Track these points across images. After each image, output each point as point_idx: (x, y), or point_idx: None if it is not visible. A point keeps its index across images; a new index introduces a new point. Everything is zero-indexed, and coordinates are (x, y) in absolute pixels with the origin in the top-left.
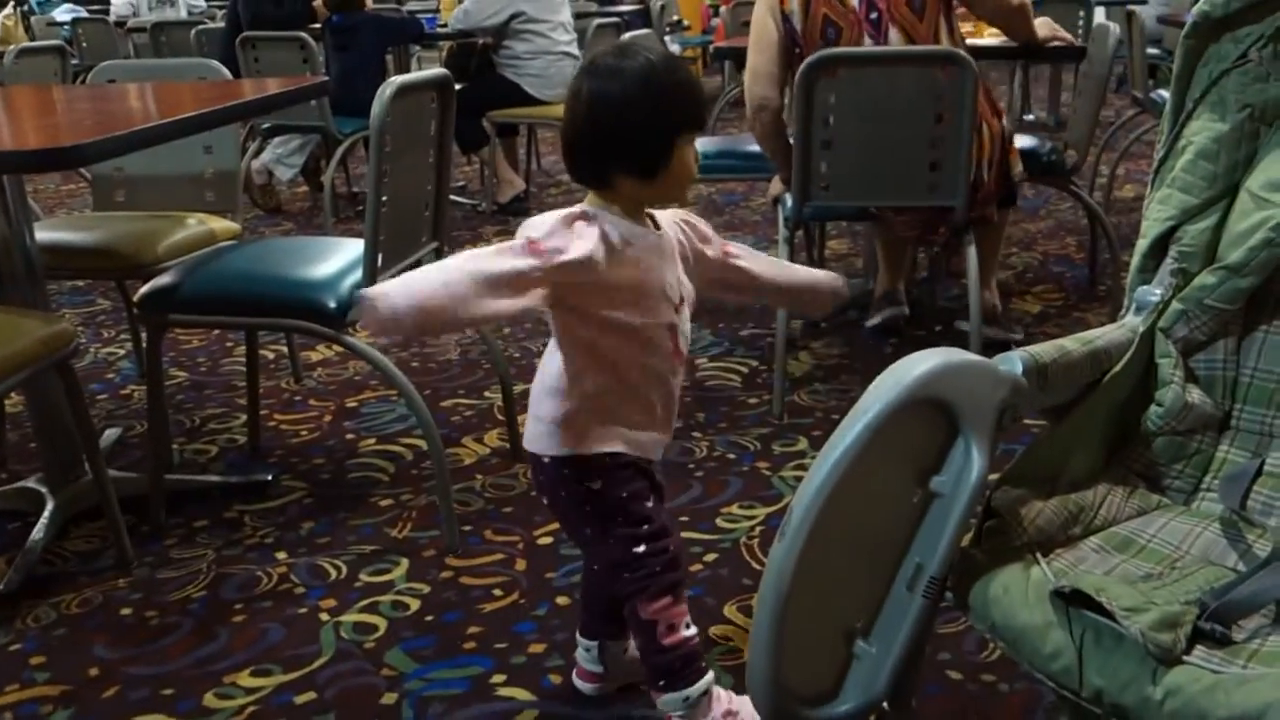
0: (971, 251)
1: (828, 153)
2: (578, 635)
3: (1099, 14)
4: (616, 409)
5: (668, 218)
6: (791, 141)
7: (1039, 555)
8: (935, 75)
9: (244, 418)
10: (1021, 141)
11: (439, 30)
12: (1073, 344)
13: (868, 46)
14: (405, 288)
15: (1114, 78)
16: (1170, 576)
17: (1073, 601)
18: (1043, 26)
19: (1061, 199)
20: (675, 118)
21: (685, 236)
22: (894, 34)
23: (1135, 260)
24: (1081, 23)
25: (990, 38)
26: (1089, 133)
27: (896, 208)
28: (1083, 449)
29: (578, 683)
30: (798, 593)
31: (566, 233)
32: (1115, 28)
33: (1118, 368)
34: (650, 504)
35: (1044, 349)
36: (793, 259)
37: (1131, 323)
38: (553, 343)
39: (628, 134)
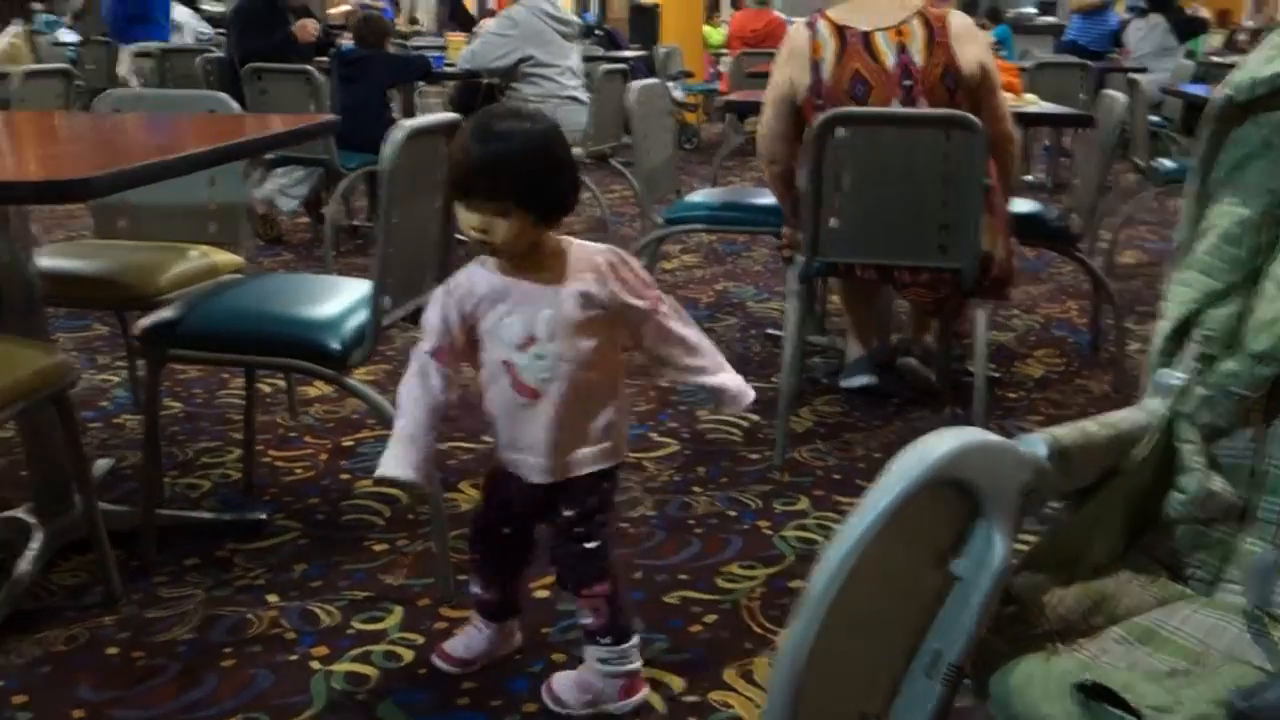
0: (980, 316)
1: (837, 209)
2: (483, 620)
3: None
4: None
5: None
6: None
7: (1061, 645)
8: (945, 138)
9: (238, 453)
10: (1026, 205)
11: (446, 70)
12: (1095, 426)
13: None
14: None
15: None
16: (1196, 673)
17: (1097, 696)
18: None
19: (1063, 262)
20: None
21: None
22: (924, 106)
23: (1157, 342)
24: (1082, 91)
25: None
26: (1094, 200)
27: (910, 271)
28: (1103, 535)
29: (447, 666)
30: (812, 673)
31: None
32: (1122, 98)
33: (1139, 452)
34: None
35: (1066, 431)
36: (807, 313)
37: (1152, 406)
38: (580, 370)
39: None
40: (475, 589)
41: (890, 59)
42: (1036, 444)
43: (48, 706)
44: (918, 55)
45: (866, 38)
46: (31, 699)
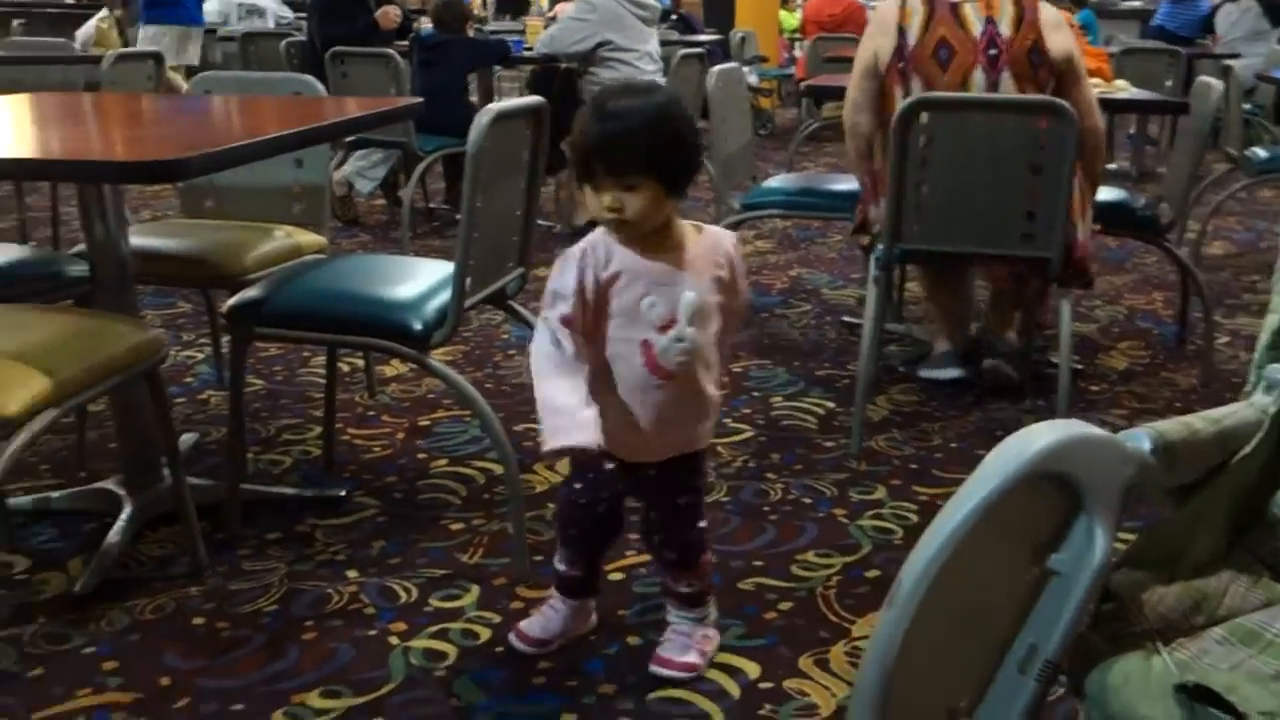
0: (1065, 306)
1: (921, 195)
2: (561, 599)
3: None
4: None
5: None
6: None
7: (1160, 644)
8: (1036, 124)
9: (319, 430)
10: (1113, 194)
11: (524, 54)
12: (1201, 422)
13: (976, 79)
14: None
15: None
16: None
17: (1199, 698)
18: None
19: (1148, 252)
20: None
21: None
22: (1007, 76)
23: (1264, 337)
24: (1169, 78)
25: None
26: (1186, 190)
27: (990, 257)
28: (1206, 533)
29: (524, 646)
30: (903, 664)
31: None
32: (1218, 85)
33: (1246, 449)
34: None
35: (1171, 426)
36: (885, 300)
37: (1261, 402)
38: (707, 351)
39: None
40: (560, 565)
41: (977, 28)
42: (1140, 439)
43: (136, 673)
44: (1005, 28)
45: (954, 8)
46: (121, 665)
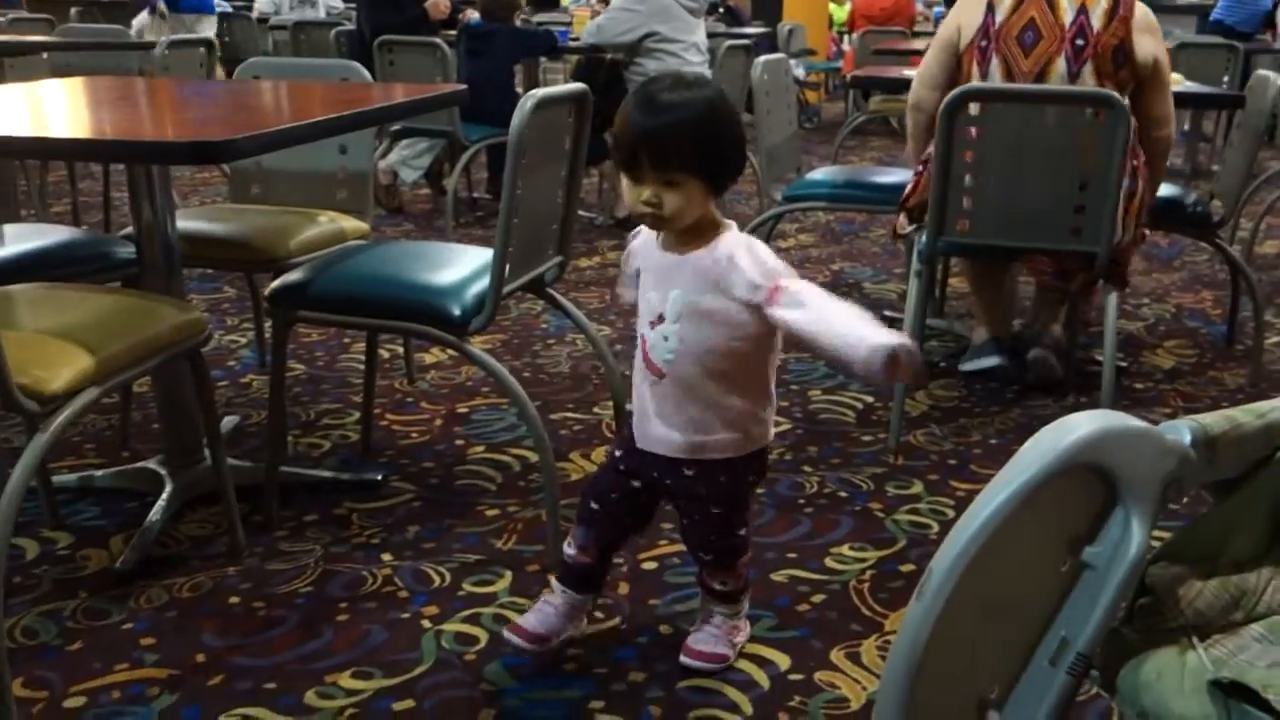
0: (1111, 302)
1: (968, 188)
2: (565, 589)
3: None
4: None
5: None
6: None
7: (1196, 640)
8: (1086, 117)
9: (357, 415)
10: (1165, 190)
11: (570, 44)
12: (1245, 415)
13: (1058, 68)
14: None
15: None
16: None
17: (1234, 694)
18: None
19: (1197, 250)
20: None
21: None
22: (1089, 70)
23: None
24: (1227, 73)
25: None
26: (1240, 187)
27: (1034, 251)
28: (1247, 529)
29: (521, 643)
30: (932, 656)
31: None
32: (1276, 79)
33: None
34: None
35: (1214, 419)
36: (927, 295)
37: None
38: (704, 356)
39: None
40: (570, 549)
41: (1069, 15)
42: (1181, 430)
43: (173, 650)
44: (1096, 20)
45: None
46: (159, 642)
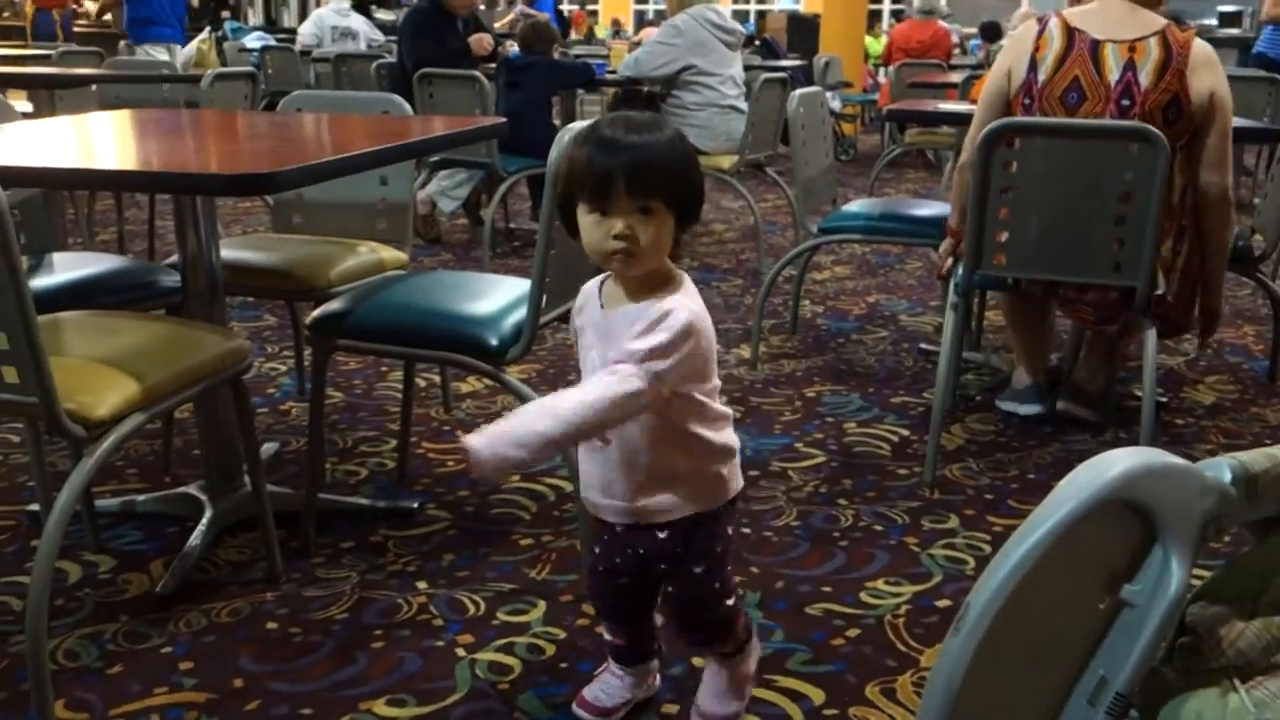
0: (1150, 336)
1: (1006, 222)
2: (620, 668)
3: None
4: None
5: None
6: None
7: (1237, 681)
8: (1125, 151)
9: (394, 443)
10: None
11: (608, 76)
12: None
13: None
14: None
15: None
16: None
17: None
18: None
19: (1239, 285)
20: (571, 186)
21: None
22: None
23: None
24: (1269, 106)
25: None
26: None
27: (1077, 289)
28: None
29: (587, 716)
30: (968, 692)
31: None
32: None
33: None
34: None
35: (1254, 457)
36: (964, 328)
37: None
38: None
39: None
40: (605, 633)
41: (1114, 74)
42: (1221, 468)
43: (211, 674)
44: (1145, 77)
45: (1095, 46)
46: (197, 666)
